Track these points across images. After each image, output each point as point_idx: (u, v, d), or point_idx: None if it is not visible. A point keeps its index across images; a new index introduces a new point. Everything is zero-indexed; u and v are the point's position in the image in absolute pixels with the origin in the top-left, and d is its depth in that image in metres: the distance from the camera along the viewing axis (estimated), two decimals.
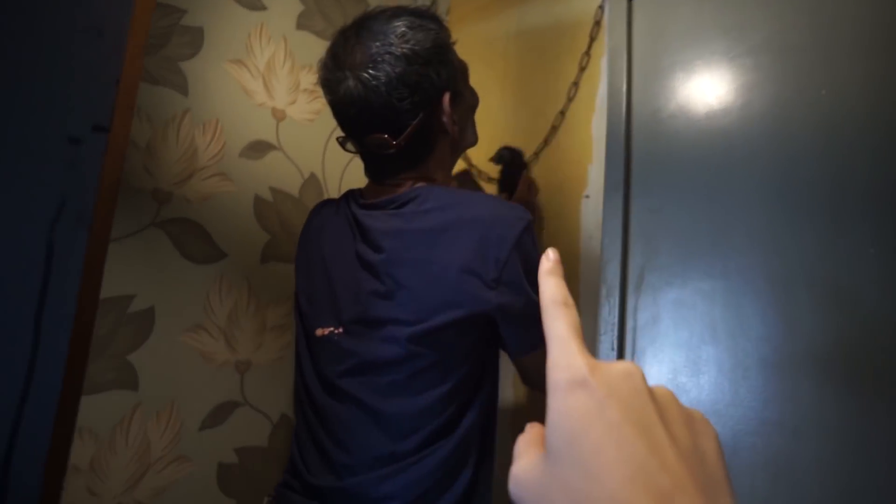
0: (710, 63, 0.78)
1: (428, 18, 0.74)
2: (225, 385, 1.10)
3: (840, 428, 0.60)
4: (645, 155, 0.82)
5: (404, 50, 0.68)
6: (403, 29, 0.70)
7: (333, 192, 1.34)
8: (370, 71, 0.68)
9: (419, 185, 0.75)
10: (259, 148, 1.18)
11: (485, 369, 0.73)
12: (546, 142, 1.24)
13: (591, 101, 1.18)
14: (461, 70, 0.80)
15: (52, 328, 0.46)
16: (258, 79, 1.19)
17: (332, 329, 0.75)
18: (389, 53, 0.68)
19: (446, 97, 0.74)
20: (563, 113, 1.21)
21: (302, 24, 1.30)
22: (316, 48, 1.32)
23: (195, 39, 1.07)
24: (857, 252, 0.62)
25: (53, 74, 0.49)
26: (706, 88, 0.78)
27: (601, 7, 1.18)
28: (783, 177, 0.69)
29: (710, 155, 0.76)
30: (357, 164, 1.40)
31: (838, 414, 0.60)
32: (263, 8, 1.21)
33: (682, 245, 0.75)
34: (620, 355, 0.77)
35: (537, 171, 1.25)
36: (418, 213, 0.70)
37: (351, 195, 0.83)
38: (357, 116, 0.71)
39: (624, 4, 0.88)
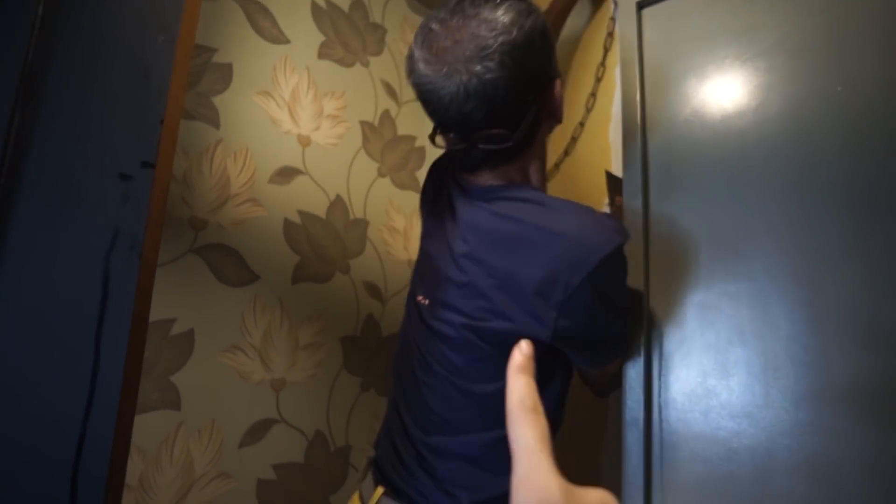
0: (723, 67, 0.79)
1: (526, 1, 0.69)
2: (261, 403, 1.14)
3: (879, 423, 0.59)
4: (662, 161, 0.83)
5: (520, 38, 0.64)
6: (513, 15, 0.65)
7: (359, 212, 1.38)
8: (486, 63, 0.62)
9: (513, 181, 0.74)
10: (287, 173, 1.24)
11: (550, 377, 0.74)
12: (566, 152, 1.26)
13: (607, 110, 1.20)
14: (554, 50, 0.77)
15: (109, 350, 0.50)
16: (284, 108, 1.25)
17: (421, 297, 0.80)
18: (506, 43, 0.63)
19: (557, 83, 0.73)
20: (582, 124, 1.23)
21: (323, 53, 1.36)
22: (337, 75, 1.38)
23: (225, 75, 1.14)
24: (883, 246, 0.61)
25: (106, 115, 0.53)
26: (720, 92, 0.79)
27: (613, 18, 1.21)
28: (802, 175, 0.70)
29: (727, 157, 0.77)
30: (381, 184, 1.44)
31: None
32: (287, 41, 1.28)
33: (704, 248, 0.76)
34: (648, 358, 0.77)
35: (559, 182, 1.27)
36: (504, 216, 0.69)
37: (453, 168, 0.82)
38: (471, 113, 0.65)
39: (633, 16, 0.90)
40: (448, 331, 0.72)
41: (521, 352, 0.27)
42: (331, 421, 1.24)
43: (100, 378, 0.50)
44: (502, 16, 0.64)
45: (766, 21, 0.76)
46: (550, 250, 0.63)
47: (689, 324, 0.75)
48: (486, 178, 0.75)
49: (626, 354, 0.77)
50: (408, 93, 1.58)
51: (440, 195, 0.85)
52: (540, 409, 0.25)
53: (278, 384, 1.17)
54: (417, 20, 1.64)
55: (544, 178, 0.81)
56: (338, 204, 1.32)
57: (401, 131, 1.53)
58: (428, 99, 0.69)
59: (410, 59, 0.69)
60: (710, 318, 0.73)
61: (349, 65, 1.41)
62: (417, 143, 1.58)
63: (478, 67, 0.63)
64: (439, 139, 0.74)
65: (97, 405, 0.50)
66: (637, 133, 0.85)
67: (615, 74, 1.20)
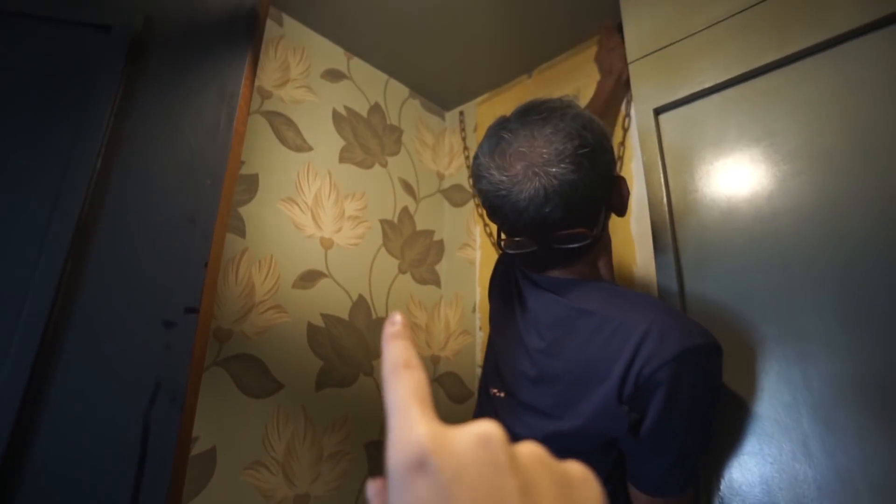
0: (750, 170, 0.81)
1: (578, 106, 0.73)
2: None
3: None
4: (696, 263, 0.82)
5: (592, 141, 0.67)
6: (582, 121, 0.68)
7: (381, 310, 1.36)
8: (564, 165, 0.64)
9: (584, 276, 0.75)
10: (310, 277, 1.24)
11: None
12: None
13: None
14: None
15: None
16: (307, 213, 1.27)
17: (496, 390, 0.78)
18: (581, 146, 0.66)
19: (624, 181, 0.76)
20: None
21: (344, 157, 1.40)
22: (357, 178, 1.42)
23: (251, 186, 1.17)
24: None
25: (152, 262, 0.53)
26: (749, 195, 0.80)
27: (628, 115, 1.25)
28: (850, 278, 0.68)
29: (765, 259, 0.76)
30: (402, 280, 1.44)
31: None
32: (310, 149, 1.32)
33: (747, 355, 0.73)
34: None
35: None
36: (581, 310, 0.69)
37: (519, 265, 0.83)
38: (549, 214, 0.66)
39: (652, 121, 0.93)
40: (529, 435, 0.69)
41: (394, 322, 0.24)
42: None
43: None
44: (571, 122, 0.67)
45: (786, 126, 0.78)
46: (628, 343, 0.62)
47: (741, 432, 0.71)
48: (556, 273, 0.76)
49: (692, 496, 0.71)
50: (425, 189, 1.61)
51: (508, 287, 0.85)
52: (415, 363, 0.22)
53: (301, 500, 1.10)
54: (430, 119, 1.72)
55: (612, 271, 0.81)
56: (360, 304, 1.31)
57: (419, 226, 1.55)
58: (499, 204, 0.69)
59: (479, 167, 0.71)
60: (768, 431, 0.69)
61: (368, 166, 1.46)
62: (436, 237, 1.59)
63: (555, 170, 0.64)
64: (507, 244, 0.75)
65: None
66: (667, 235, 0.85)
67: (631, 169, 1.23)
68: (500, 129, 0.70)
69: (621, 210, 0.77)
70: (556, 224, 0.68)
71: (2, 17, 0.58)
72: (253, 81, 0.66)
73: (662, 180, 0.89)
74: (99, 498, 0.45)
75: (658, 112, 0.93)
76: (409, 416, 0.20)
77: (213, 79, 0.63)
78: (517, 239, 0.73)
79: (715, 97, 0.87)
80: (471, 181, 1.60)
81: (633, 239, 1.17)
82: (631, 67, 1.00)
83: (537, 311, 0.75)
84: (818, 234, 0.72)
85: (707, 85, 0.87)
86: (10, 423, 0.43)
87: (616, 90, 1.21)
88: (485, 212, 0.76)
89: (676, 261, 0.85)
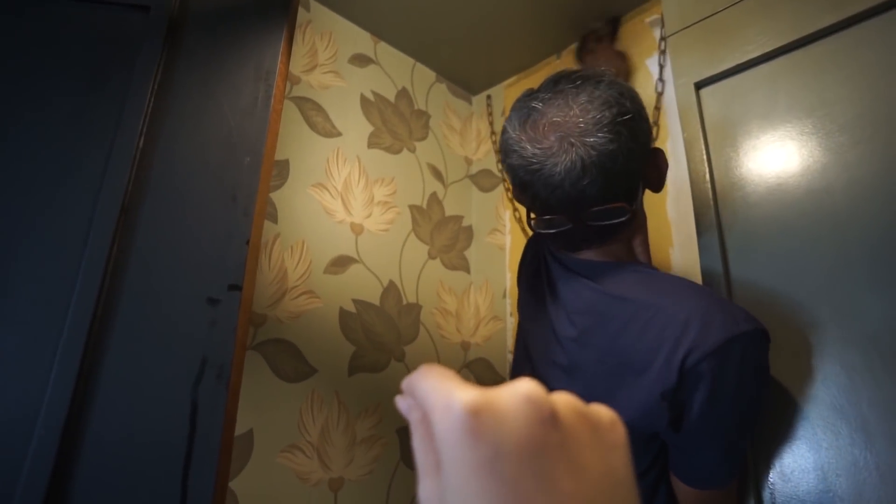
0: (801, 142, 0.77)
1: (612, 74, 0.68)
2: None
3: None
4: (741, 243, 0.79)
5: (631, 109, 0.63)
6: (619, 88, 0.63)
7: (412, 296, 1.36)
8: (602, 134, 0.60)
9: (620, 259, 0.71)
10: (341, 262, 1.24)
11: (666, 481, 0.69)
12: None
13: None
14: None
15: (196, 488, 0.47)
16: (337, 198, 1.27)
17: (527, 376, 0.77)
18: (620, 114, 0.61)
19: (662, 153, 0.71)
20: None
21: (372, 142, 1.39)
22: (386, 162, 1.41)
23: (282, 171, 1.17)
24: None
25: (195, 239, 0.53)
26: (800, 169, 0.76)
27: (660, 93, 1.21)
28: None
29: (818, 237, 0.72)
30: (431, 266, 1.43)
31: None
32: (339, 134, 1.32)
33: (799, 337, 0.70)
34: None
35: None
36: (615, 297, 0.64)
37: (546, 245, 0.80)
38: (586, 187, 0.61)
39: (693, 96, 0.89)
40: None
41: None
42: None
43: None
44: (607, 89, 0.62)
45: (843, 94, 0.74)
46: (667, 332, 0.58)
47: (799, 418, 0.68)
48: (589, 255, 0.71)
49: (740, 492, 0.68)
50: (453, 174, 1.60)
51: (538, 270, 0.81)
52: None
53: (336, 484, 1.11)
54: (458, 104, 1.69)
55: (649, 252, 0.76)
56: (391, 290, 1.31)
57: (448, 212, 1.54)
58: (530, 180, 0.64)
59: (508, 141, 0.66)
60: (824, 415, 0.66)
61: (397, 151, 1.44)
62: (465, 223, 1.58)
63: (593, 140, 0.60)
64: (537, 223, 0.71)
65: None
66: (711, 214, 0.82)
67: (666, 148, 1.19)
68: (530, 100, 0.65)
69: (658, 185, 0.72)
70: (592, 199, 0.63)
71: None
72: (288, 60, 0.66)
73: (705, 157, 0.86)
74: (153, 472, 0.45)
75: (699, 86, 0.89)
76: (449, 387, 0.21)
77: (250, 57, 0.63)
78: (548, 217, 0.68)
79: (763, 67, 0.83)
80: (498, 163, 1.58)
81: (669, 220, 1.14)
82: (670, 41, 0.96)
83: (568, 297, 0.71)
84: (879, 207, 0.68)
85: (754, 55, 0.83)
86: (68, 399, 0.44)
87: None
88: (512, 192, 0.71)
89: (721, 241, 0.81)
